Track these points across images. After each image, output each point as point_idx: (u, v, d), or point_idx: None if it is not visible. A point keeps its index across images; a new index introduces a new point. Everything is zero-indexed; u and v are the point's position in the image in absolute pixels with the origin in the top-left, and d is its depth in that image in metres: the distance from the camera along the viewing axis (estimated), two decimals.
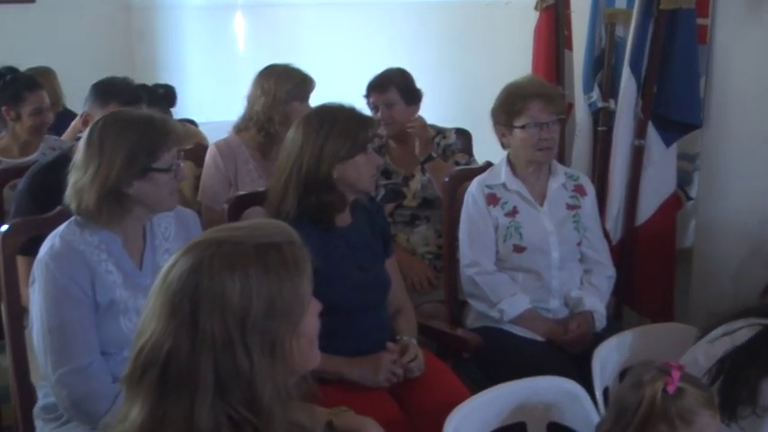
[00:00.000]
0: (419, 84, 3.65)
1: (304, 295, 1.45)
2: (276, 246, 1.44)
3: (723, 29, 3.27)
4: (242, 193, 3.03)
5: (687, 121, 3.38)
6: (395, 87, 3.55)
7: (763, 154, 3.19)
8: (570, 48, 3.76)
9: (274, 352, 1.41)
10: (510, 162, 3.10)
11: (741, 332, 2.08)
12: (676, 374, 1.74)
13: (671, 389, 1.73)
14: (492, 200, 3.06)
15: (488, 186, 3.09)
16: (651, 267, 3.50)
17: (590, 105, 3.63)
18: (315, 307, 1.51)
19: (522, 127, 2.97)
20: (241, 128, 3.48)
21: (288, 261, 1.44)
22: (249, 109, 3.45)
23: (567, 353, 2.94)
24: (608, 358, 2.47)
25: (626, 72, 3.38)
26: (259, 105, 3.41)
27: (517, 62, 3.76)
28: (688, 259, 3.51)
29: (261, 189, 2.98)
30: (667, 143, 3.42)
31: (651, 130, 3.41)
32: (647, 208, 3.46)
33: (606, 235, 3.34)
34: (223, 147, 3.47)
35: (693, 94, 3.32)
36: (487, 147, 3.34)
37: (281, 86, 3.40)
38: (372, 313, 2.65)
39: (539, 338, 2.98)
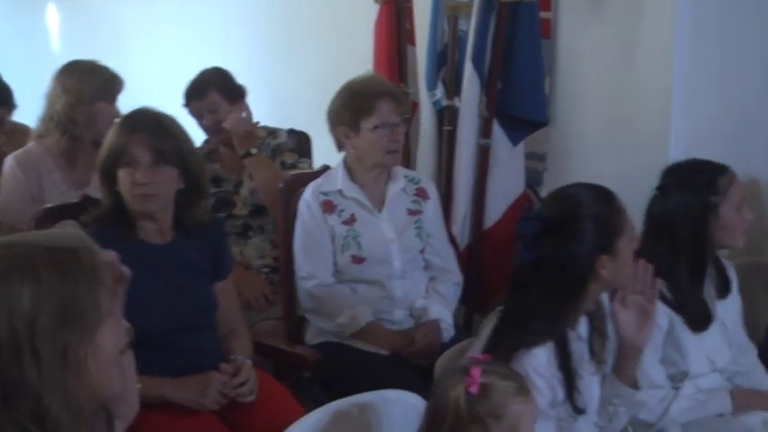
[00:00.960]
0: (252, 83, 3.57)
1: (101, 304, 1.43)
2: (71, 250, 1.44)
3: (566, 22, 3.34)
4: (49, 205, 2.88)
5: (533, 119, 3.42)
6: (214, 89, 3.42)
7: (610, 151, 3.27)
8: (413, 43, 3.74)
9: (66, 361, 1.38)
10: (347, 166, 3.06)
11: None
12: (476, 373, 1.74)
13: (473, 389, 1.73)
14: (328, 207, 3.01)
15: (324, 193, 3.03)
16: (502, 272, 3.52)
17: (434, 104, 3.62)
18: (118, 326, 1.49)
19: (375, 128, 2.95)
20: (42, 133, 3.30)
21: (85, 266, 1.43)
22: (49, 108, 3.26)
23: (413, 365, 2.93)
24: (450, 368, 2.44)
25: (468, 68, 3.38)
26: (60, 105, 3.23)
27: (358, 59, 3.72)
28: None
29: (73, 200, 2.85)
30: (514, 142, 3.45)
31: (497, 129, 3.43)
32: (496, 210, 3.48)
33: (453, 240, 3.35)
34: (22, 158, 3.28)
35: (538, 90, 3.37)
36: (331, 149, 3.28)
37: (86, 85, 3.24)
38: (192, 335, 2.54)
39: (383, 352, 2.95)
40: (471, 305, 3.54)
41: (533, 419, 1.82)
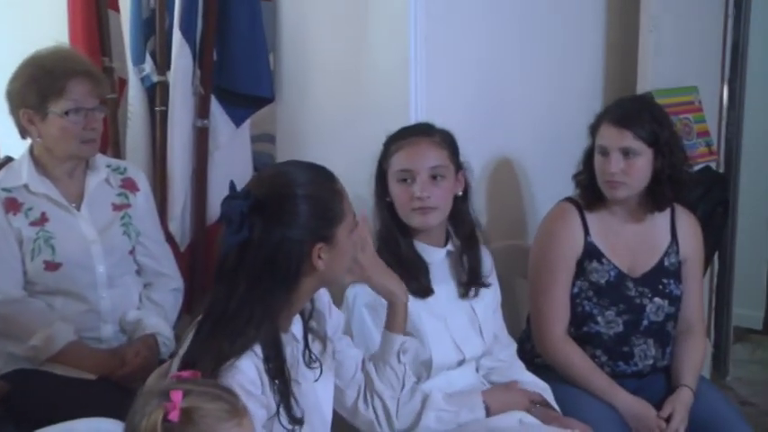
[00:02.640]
0: None
1: None
2: None
3: None
4: None
5: (257, 94, 3.33)
6: None
7: (347, 132, 3.23)
8: (116, 8, 3.52)
9: None
10: (33, 157, 2.86)
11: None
12: (177, 396, 1.65)
13: (173, 416, 1.64)
14: (12, 206, 2.82)
15: (6, 189, 2.83)
16: None
17: (143, 80, 3.42)
18: None
19: (66, 113, 2.78)
20: None
21: None
22: None
23: (128, 390, 2.77)
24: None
25: (177, 37, 3.23)
26: None
27: (49, 28, 3.47)
28: None
29: None
30: (237, 122, 3.36)
31: (216, 108, 3.33)
32: (219, 202, 3.34)
33: (170, 239, 3.24)
34: None
35: (260, 60, 3.27)
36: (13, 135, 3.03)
37: None
38: None
39: (89, 376, 2.78)
40: (197, 313, 3.37)
41: None
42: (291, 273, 2.03)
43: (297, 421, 2.07)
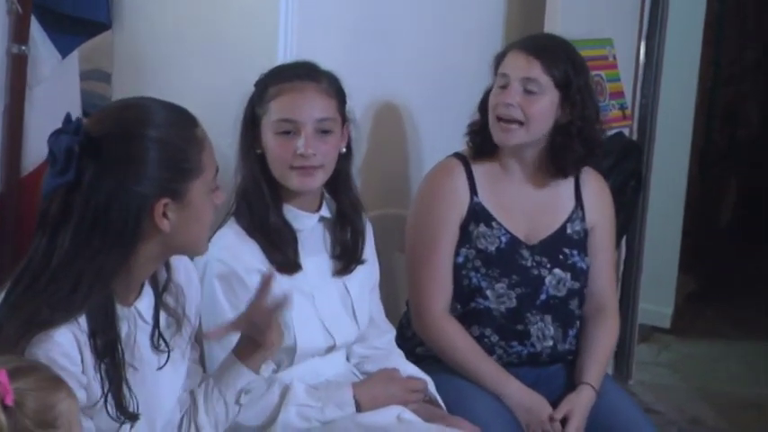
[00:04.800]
0: None
1: None
2: None
3: None
4: None
5: (89, 18, 3.13)
6: None
7: (202, 65, 3.12)
8: None
9: None
10: None
11: None
12: (4, 377, 1.58)
13: (9, 400, 1.58)
14: None
15: None
16: None
17: None
18: None
19: None
20: None
21: None
22: None
23: None
24: None
25: None
26: None
27: None
28: None
29: None
30: (63, 51, 3.15)
31: (37, 32, 3.08)
32: (38, 148, 3.09)
33: None
34: None
35: None
36: None
37: None
38: None
39: None
40: (4, 281, 3.17)
41: (79, 413, 1.72)
42: (128, 231, 1.95)
43: (128, 415, 2.00)
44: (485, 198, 2.88)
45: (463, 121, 2.98)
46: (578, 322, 2.96)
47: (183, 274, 2.21)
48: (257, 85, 2.60)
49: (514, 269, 2.86)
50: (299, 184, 2.54)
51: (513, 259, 2.86)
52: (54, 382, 1.68)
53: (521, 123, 2.78)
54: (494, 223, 2.86)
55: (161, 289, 2.14)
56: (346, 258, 2.67)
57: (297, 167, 2.52)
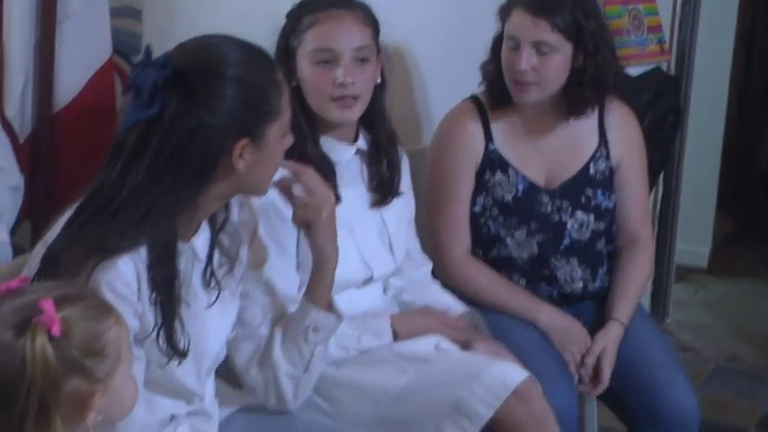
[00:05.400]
0: None
1: None
2: None
3: None
4: None
5: None
6: None
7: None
8: None
9: None
10: None
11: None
12: (50, 307, 1.52)
13: (56, 330, 1.52)
14: None
15: None
16: (83, 171, 3.10)
17: None
18: None
19: None
20: None
21: None
22: None
23: None
24: None
25: None
26: None
27: None
28: None
29: None
30: None
31: None
32: (70, 84, 3.16)
33: (7, 128, 3.02)
34: None
35: None
36: None
37: None
38: None
39: None
40: (40, 221, 3.10)
41: (130, 341, 1.69)
42: (205, 169, 1.90)
43: (178, 351, 1.96)
44: (501, 145, 2.79)
45: (474, 59, 2.85)
46: (608, 260, 2.87)
47: (240, 217, 2.18)
48: (290, 15, 2.51)
49: (533, 216, 2.77)
50: (339, 116, 2.47)
51: (532, 206, 2.77)
52: (102, 309, 1.64)
53: (537, 83, 2.69)
54: (510, 170, 2.77)
55: (218, 227, 2.10)
56: (383, 190, 2.59)
57: (336, 98, 2.44)
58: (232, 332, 2.21)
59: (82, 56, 3.16)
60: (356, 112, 2.47)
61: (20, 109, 3.10)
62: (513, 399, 2.33)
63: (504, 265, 2.79)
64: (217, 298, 2.08)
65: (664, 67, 3.79)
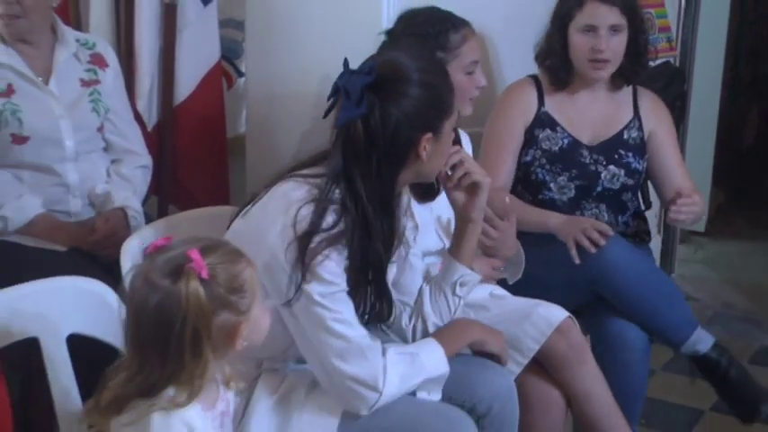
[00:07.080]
0: None
1: None
2: None
3: None
4: None
5: None
6: None
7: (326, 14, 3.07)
8: None
9: None
10: None
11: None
12: (197, 255, 1.64)
13: (205, 274, 1.64)
14: None
15: None
16: (199, 155, 3.33)
17: None
18: None
19: None
20: None
21: None
22: None
23: (98, 259, 2.68)
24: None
25: None
26: None
27: None
28: (241, 149, 3.37)
29: None
30: (204, 1, 3.22)
31: None
32: (187, 83, 3.27)
33: (138, 118, 3.11)
34: None
35: None
36: None
37: None
38: None
39: (60, 248, 2.68)
40: (165, 196, 3.30)
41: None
42: (400, 159, 1.97)
43: (381, 319, 2.10)
44: (551, 108, 2.92)
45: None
46: (629, 211, 2.97)
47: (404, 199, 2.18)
48: (426, 32, 2.50)
49: (574, 165, 2.88)
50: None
51: (574, 157, 2.89)
52: (236, 254, 1.72)
53: (611, 60, 2.83)
54: (558, 128, 2.90)
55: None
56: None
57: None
58: None
59: (196, 60, 3.26)
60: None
61: (148, 103, 3.22)
62: (556, 334, 2.41)
63: (547, 206, 2.86)
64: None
65: (672, 60, 3.94)
